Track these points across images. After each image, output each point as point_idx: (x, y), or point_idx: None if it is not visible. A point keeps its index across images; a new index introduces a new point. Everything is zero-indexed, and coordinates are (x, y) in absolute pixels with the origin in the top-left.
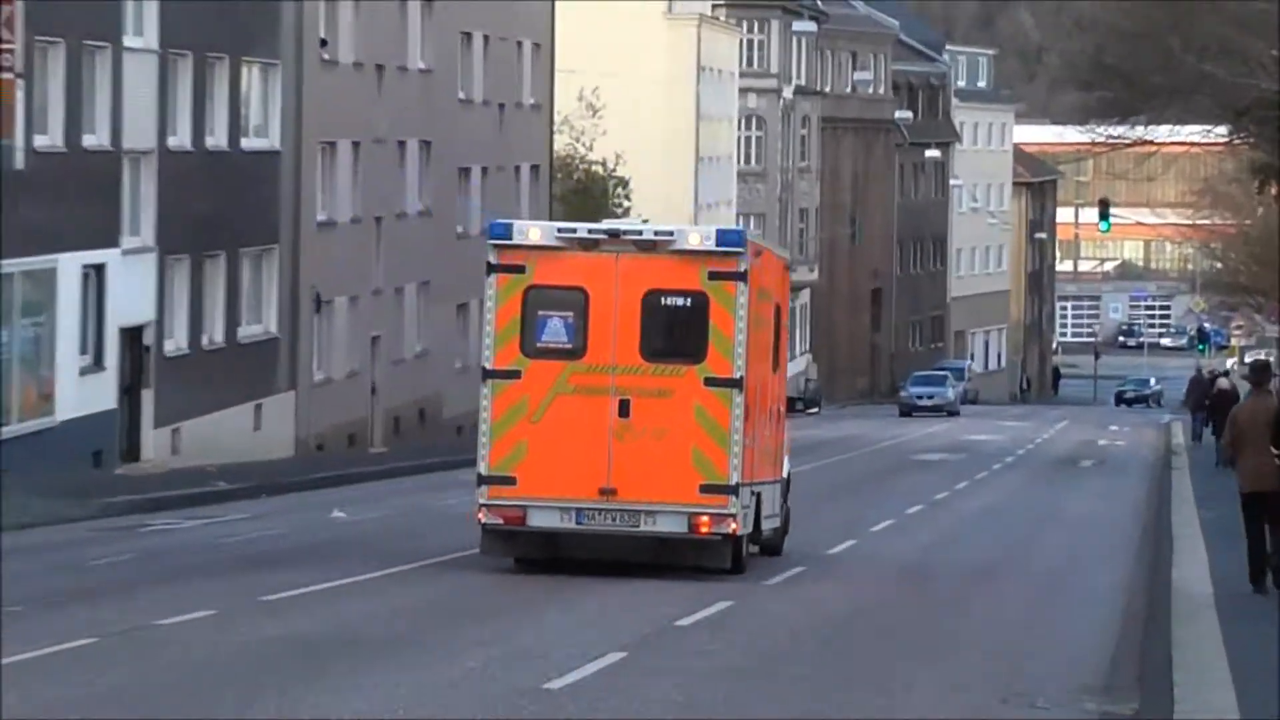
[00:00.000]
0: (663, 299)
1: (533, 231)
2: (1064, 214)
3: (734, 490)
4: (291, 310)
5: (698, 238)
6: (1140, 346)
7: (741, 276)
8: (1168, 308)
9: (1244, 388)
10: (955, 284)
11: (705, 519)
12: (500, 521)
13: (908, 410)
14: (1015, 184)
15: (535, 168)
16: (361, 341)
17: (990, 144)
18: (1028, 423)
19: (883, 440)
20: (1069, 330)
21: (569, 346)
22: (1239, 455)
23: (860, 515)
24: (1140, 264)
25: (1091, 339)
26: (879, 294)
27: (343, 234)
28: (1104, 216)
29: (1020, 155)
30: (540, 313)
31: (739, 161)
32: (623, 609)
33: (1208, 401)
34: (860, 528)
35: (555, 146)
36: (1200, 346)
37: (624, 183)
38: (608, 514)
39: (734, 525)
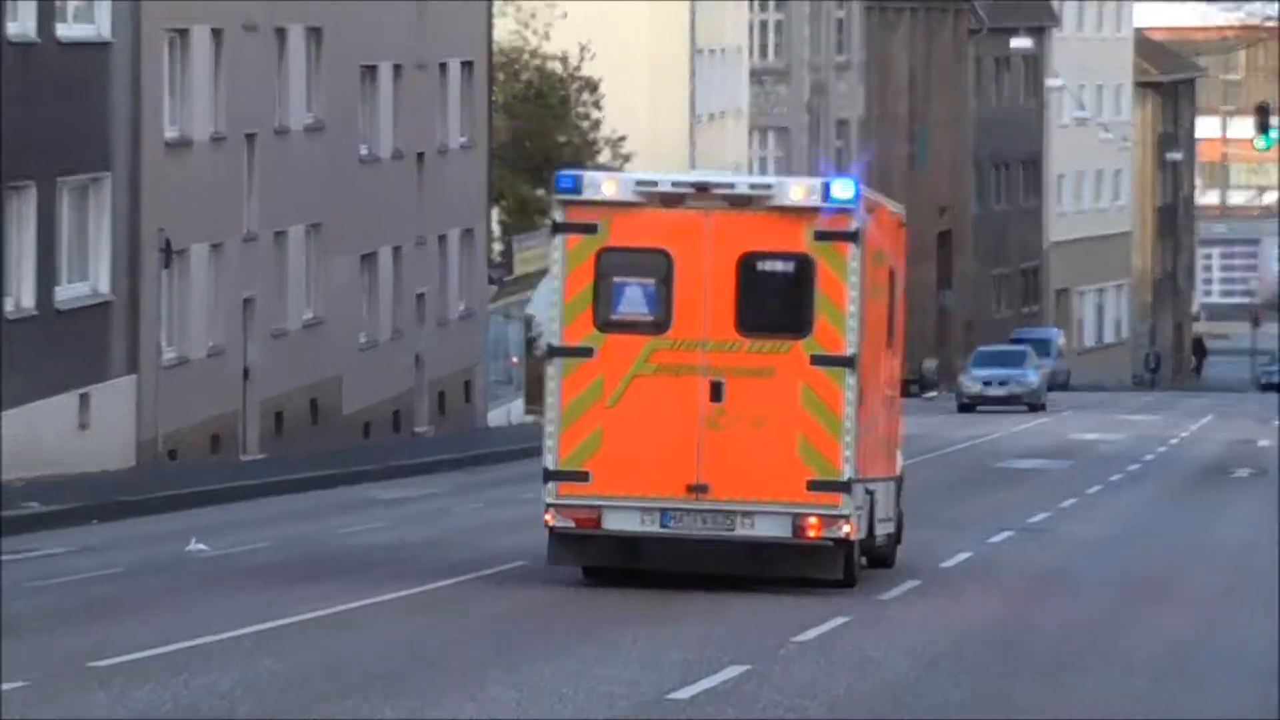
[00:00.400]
0: (761, 263)
1: (607, 185)
2: (1207, 126)
3: (847, 487)
4: (130, 264)
5: (802, 191)
6: None
7: (854, 236)
8: None
9: None
10: (1055, 225)
11: (814, 520)
12: (572, 524)
13: (969, 403)
14: (1139, 85)
15: (468, 66)
16: (229, 307)
17: (1103, 29)
18: (1158, 416)
19: (956, 441)
20: (1215, 288)
21: (651, 319)
22: None
23: (927, 546)
24: None
25: (1248, 299)
26: (948, 238)
27: (200, 157)
28: (1263, 128)
29: (1146, 45)
30: (617, 279)
31: (752, 56)
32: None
33: None
34: (925, 563)
35: (496, 36)
36: None
37: (592, 86)
38: (698, 515)
39: (848, 528)
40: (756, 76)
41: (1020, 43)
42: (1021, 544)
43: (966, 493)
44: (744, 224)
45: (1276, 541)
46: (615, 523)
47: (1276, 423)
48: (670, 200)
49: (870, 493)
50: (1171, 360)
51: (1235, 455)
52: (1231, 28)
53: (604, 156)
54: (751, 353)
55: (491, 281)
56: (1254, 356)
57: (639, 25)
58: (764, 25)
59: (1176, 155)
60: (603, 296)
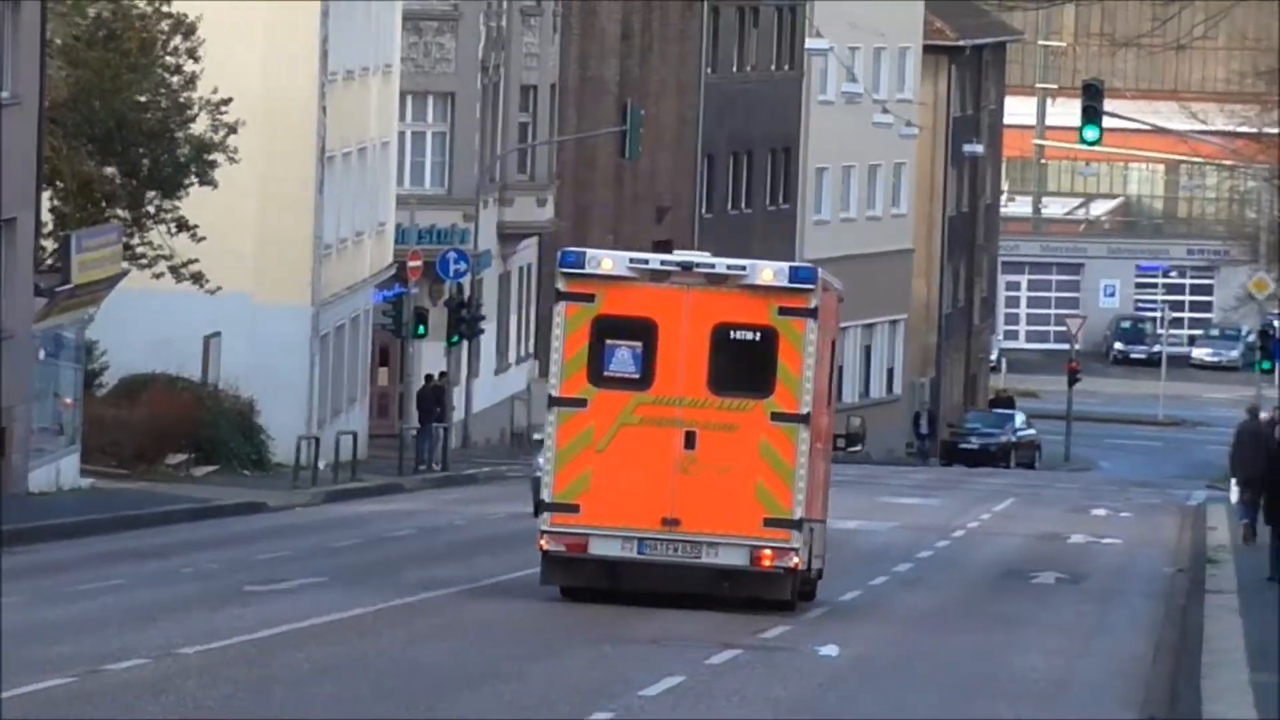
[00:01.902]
0: (731, 332)
1: (605, 262)
2: (1018, 108)
3: (797, 525)
4: None
5: (770, 273)
6: (1154, 360)
7: (812, 313)
8: (1206, 289)
9: None
10: (812, 236)
11: (768, 552)
12: (562, 549)
13: None
14: (928, 50)
15: None
16: None
17: None
18: (939, 498)
19: None
20: (1022, 328)
21: (636, 377)
22: None
23: (625, 671)
24: (1157, 207)
25: (1065, 345)
26: (667, 250)
27: None
28: (1091, 117)
29: None
30: (608, 342)
31: None
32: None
33: (1265, 468)
34: (620, 690)
35: None
36: (1263, 364)
37: (186, 28)
38: (670, 544)
39: (796, 559)
40: (413, 22)
41: None
42: (750, 668)
43: (677, 598)
44: (718, 299)
45: (1093, 673)
46: (599, 549)
47: (1099, 511)
48: (657, 276)
49: (811, 530)
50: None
51: (1040, 554)
52: None
53: (200, 125)
54: (720, 409)
55: (40, 293)
56: (1069, 423)
57: None
58: None
59: (976, 148)
60: (596, 356)
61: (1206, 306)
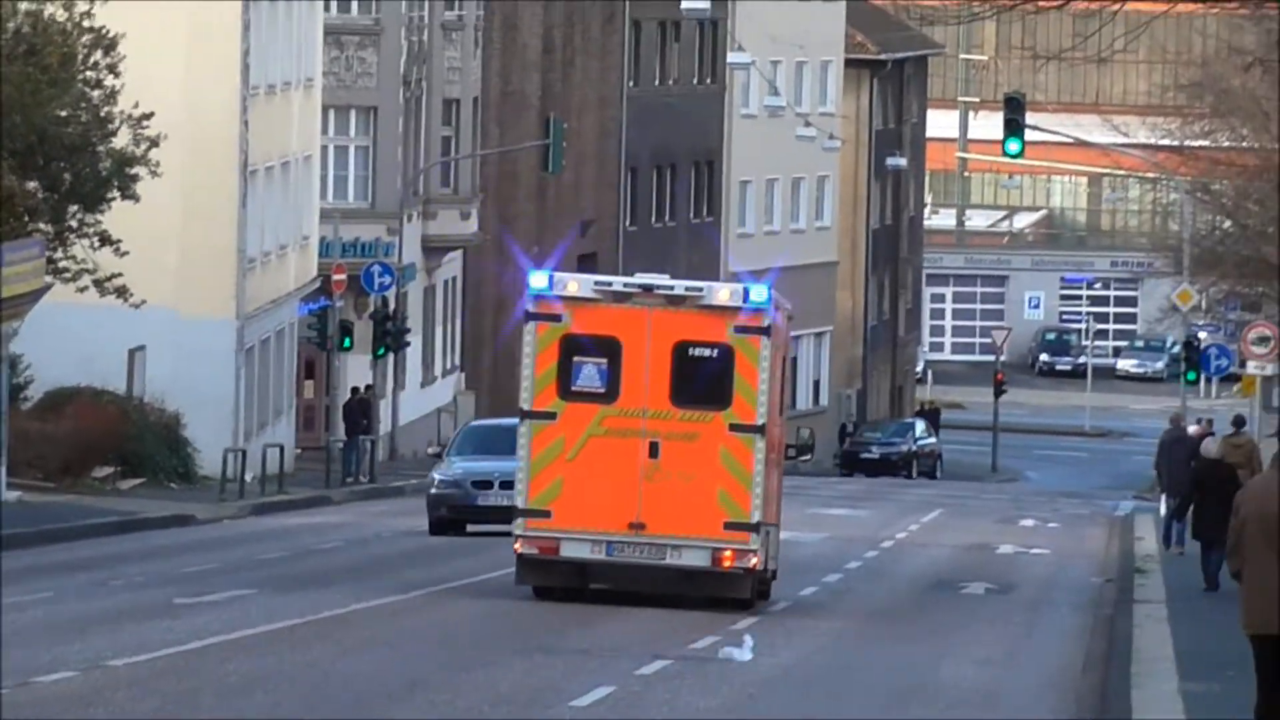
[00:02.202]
0: (691, 349)
1: (571, 284)
2: (940, 122)
3: (756, 528)
4: None
5: (726, 294)
6: (1080, 372)
7: (766, 331)
8: (1131, 301)
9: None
10: (736, 249)
11: (729, 553)
12: (535, 551)
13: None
14: (850, 63)
15: None
16: None
17: None
18: (867, 509)
19: None
20: (947, 340)
21: (602, 391)
22: (1245, 569)
23: (556, 682)
24: (1080, 219)
25: (991, 357)
26: (592, 265)
27: None
28: (1013, 130)
29: (860, 10)
30: (576, 359)
31: (329, 7)
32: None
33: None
34: (551, 700)
35: None
36: (1189, 375)
37: (107, 42)
38: (636, 547)
39: (755, 560)
40: (335, 37)
41: (694, 4)
42: (679, 678)
43: (607, 607)
44: (678, 319)
45: (1023, 683)
46: (570, 551)
47: (1028, 522)
48: (620, 297)
49: (767, 533)
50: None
51: (969, 564)
52: None
53: (122, 139)
54: (682, 420)
55: None
56: (996, 434)
57: None
58: None
59: (900, 161)
60: (565, 372)
61: (1131, 318)
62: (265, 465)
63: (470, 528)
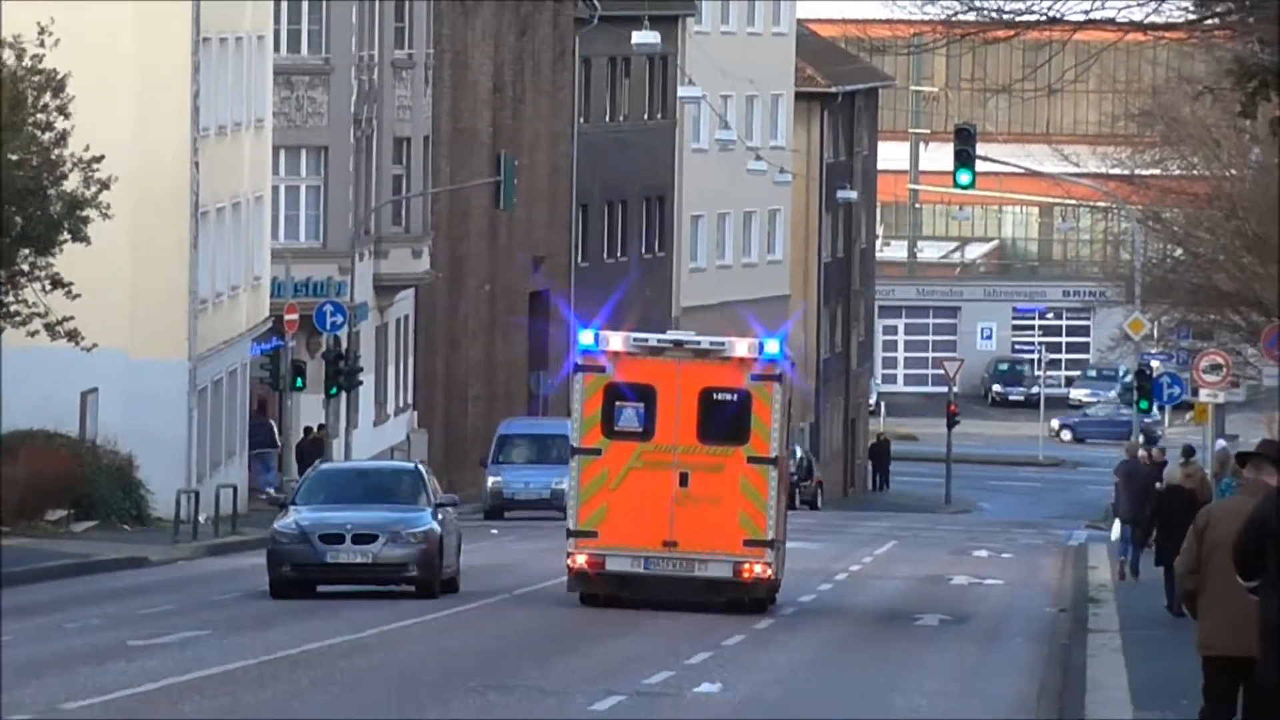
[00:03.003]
0: (715, 394)
1: (613, 341)
2: (891, 154)
3: (770, 544)
4: None
5: (745, 348)
6: (1033, 401)
7: (778, 378)
8: (1084, 330)
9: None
10: (688, 284)
11: (748, 567)
12: (585, 566)
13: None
14: (801, 96)
15: None
16: None
17: (754, 22)
18: (821, 542)
19: (555, 573)
20: (900, 372)
21: (640, 430)
22: (1205, 592)
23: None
24: (1032, 249)
25: (944, 388)
26: (542, 302)
27: None
28: (964, 161)
29: (810, 43)
30: (618, 404)
31: (279, 48)
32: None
33: (1154, 506)
34: None
35: None
36: (1141, 404)
37: (56, 84)
38: (670, 561)
39: (769, 572)
40: (285, 77)
41: (645, 38)
42: (634, 713)
43: (560, 643)
44: (704, 369)
45: (978, 714)
46: (614, 565)
47: (981, 553)
48: (655, 351)
49: (778, 549)
50: (837, 465)
51: (923, 595)
52: (925, 24)
53: (72, 182)
54: (708, 454)
55: None
56: (949, 466)
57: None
58: (295, 8)
59: (851, 194)
60: (608, 415)
61: (1083, 347)
62: (219, 506)
63: (321, 588)
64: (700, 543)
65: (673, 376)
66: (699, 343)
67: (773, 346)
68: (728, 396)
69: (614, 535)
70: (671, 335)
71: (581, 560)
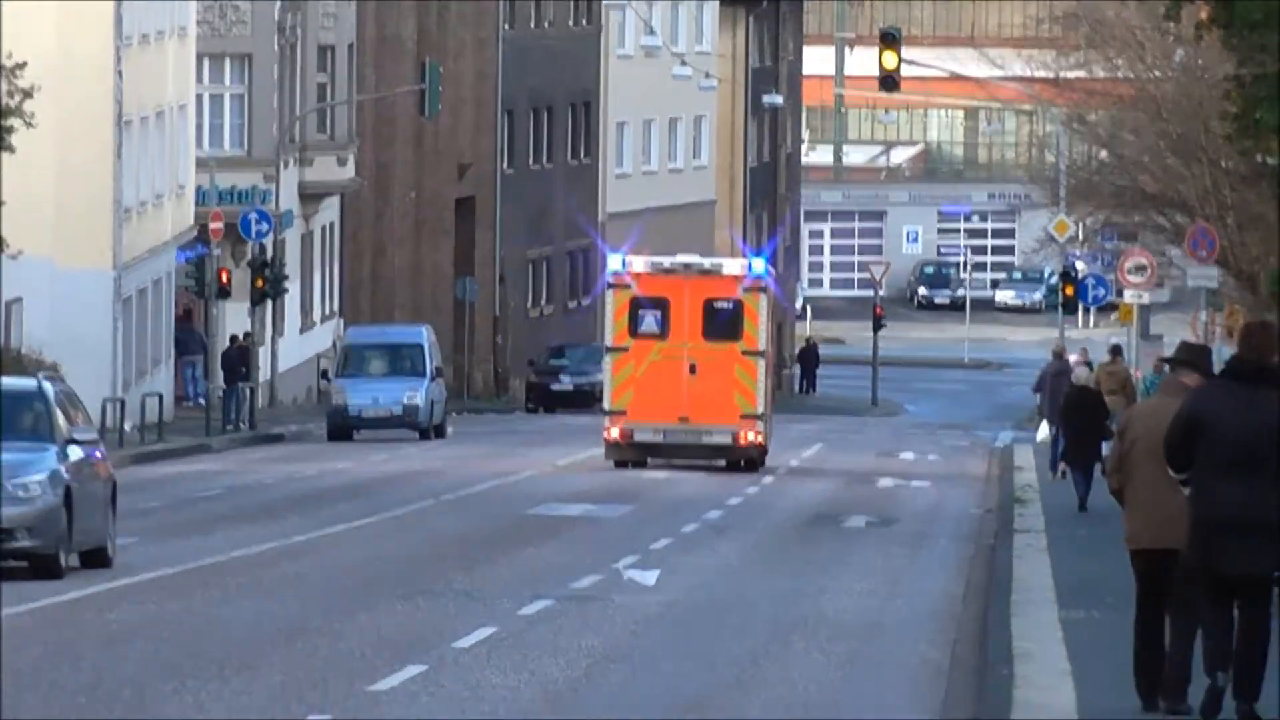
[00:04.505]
0: (715, 303)
1: (636, 263)
2: (817, 58)
3: (760, 418)
4: None
5: (737, 267)
6: (958, 304)
7: (764, 290)
8: (1009, 233)
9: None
10: (614, 190)
11: (743, 434)
12: (618, 438)
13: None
14: (726, 2)
15: None
16: None
17: None
18: None
19: (475, 481)
20: (826, 276)
21: (658, 332)
22: (1128, 487)
23: (435, 623)
24: (957, 153)
25: (870, 292)
26: (470, 208)
27: None
28: (889, 65)
29: None
30: (640, 311)
31: None
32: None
33: (1062, 407)
34: (435, 643)
35: None
36: (1066, 306)
37: None
38: (683, 432)
39: (760, 438)
40: None
41: None
42: (562, 617)
43: (488, 550)
44: (706, 283)
45: (905, 613)
46: (640, 436)
47: (908, 454)
48: (669, 271)
49: (766, 421)
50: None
51: (849, 498)
52: None
53: None
54: (710, 349)
55: None
56: (875, 368)
57: None
58: None
59: (776, 99)
60: (633, 321)
61: (1009, 250)
62: (145, 414)
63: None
64: (706, 416)
65: (682, 290)
66: (702, 264)
67: (759, 265)
68: (725, 304)
69: (639, 412)
70: (681, 259)
71: (615, 433)
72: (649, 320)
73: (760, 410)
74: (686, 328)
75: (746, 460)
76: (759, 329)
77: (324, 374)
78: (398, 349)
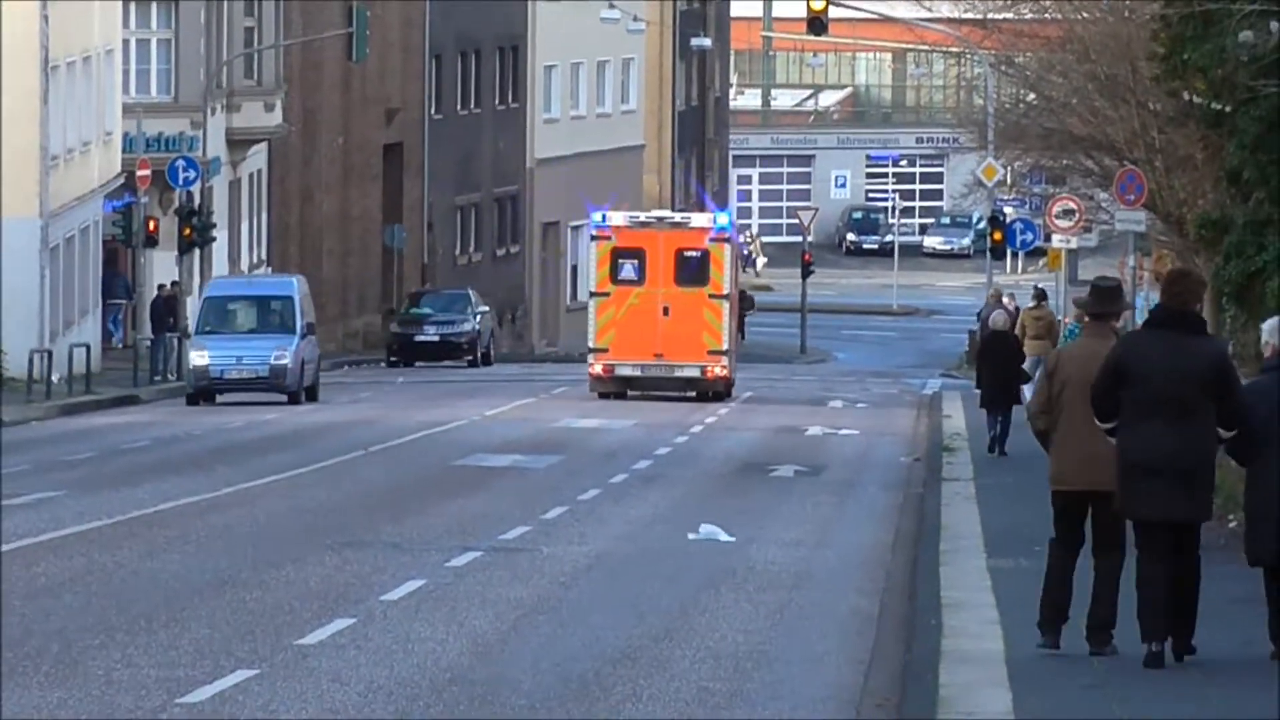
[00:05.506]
0: (686, 253)
1: (616, 218)
2: (745, 1)
3: (726, 354)
4: None
5: (704, 220)
6: (887, 250)
7: (728, 240)
8: (937, 178)
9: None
10: (541, 136)
11: (710, 369)
12: (601, 372)
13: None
14: None
15: None
16: None
17: None
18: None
19: (405, 431)
20: (755, 221)
21: (636, 279)
22: (1056, 429)
23: (364, 574)
24: (885, 96)
25: (799, 238)
26: (398, 154)
27: None
28: (816, 12)
29: None
30: (619, 260)
31: None
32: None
33: (976, 351)
34: (363, 595)
35: None
36: (994, 251)
37: None
38: (658, 367)
39: (726, 372)
40: None
41: None
42: (491, 569)
43: (416, 501)
44: (677, 235)
45: (834, 563)
46: (621, 371)
47: (836, 403)
48: (645, 225)
49: (730, 356)
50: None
51: (778, 447)
52: None
53: None
54: (682, 294)
55: None
56: (804, 315)
57: None
58: None
59: (705, 42)
60: (614, 269)
61: (937, 195)
62: (72, 365)
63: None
64: (678, 354)
65: (657, 241)
66: (673, 218)
67: (723, 219)
68: (694, 254)
69: (620, 351)
70: (655, 214)
71: (599, 368)
72: (628, 269)
73: (725, 347)
74: (661, 275)
75: (714, 392)
76: (724, 275)
77: (183, 332)
78: (265, 302)
